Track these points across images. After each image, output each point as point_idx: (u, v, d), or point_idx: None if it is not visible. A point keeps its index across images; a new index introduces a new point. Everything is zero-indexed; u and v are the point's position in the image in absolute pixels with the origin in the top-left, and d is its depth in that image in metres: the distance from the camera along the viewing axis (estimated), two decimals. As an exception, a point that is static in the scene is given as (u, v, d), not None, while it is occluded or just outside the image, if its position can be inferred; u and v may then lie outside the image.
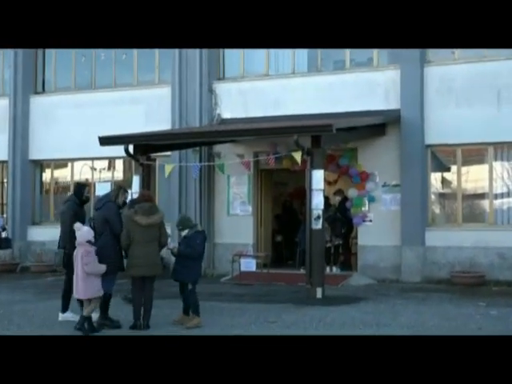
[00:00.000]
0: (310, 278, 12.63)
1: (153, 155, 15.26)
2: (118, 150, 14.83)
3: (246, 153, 16.14)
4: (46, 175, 19.72)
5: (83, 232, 9.23)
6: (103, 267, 9.21)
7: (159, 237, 9.56)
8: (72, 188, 10.90)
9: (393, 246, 15.27)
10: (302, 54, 16.69)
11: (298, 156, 12.71)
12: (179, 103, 17.12)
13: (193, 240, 9.78)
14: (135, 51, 18.06)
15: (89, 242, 9.20)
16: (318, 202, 12.58)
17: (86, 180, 18.35)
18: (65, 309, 10.32)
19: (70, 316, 10.12)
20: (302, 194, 15.25)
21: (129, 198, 10.70)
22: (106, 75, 18.64)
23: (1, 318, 10.51)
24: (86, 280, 9.10)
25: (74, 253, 9.28)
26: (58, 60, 19.38)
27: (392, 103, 15.44)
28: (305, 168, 13.56)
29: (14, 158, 19.10)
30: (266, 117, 15.97)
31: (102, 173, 18.93)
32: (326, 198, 14.60)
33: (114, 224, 9.53)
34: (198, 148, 16.40)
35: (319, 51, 16.34)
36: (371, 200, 15.49)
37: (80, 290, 9.16)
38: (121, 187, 10.27)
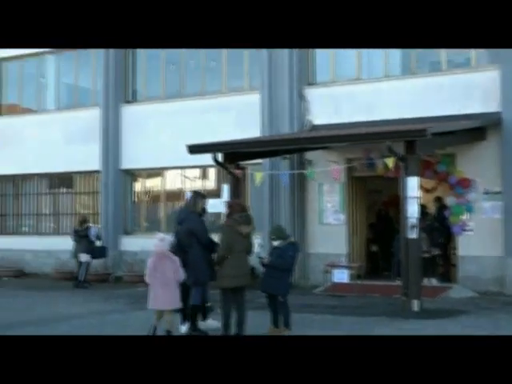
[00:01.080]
0: (406, 289, 12.44)
1: (243, 163, 15.38)
2: (210, 159, 15.04)
3: (338, 159, 16.05)
4: (138, 185, 20.20)
5: (166, 243, 9.34)
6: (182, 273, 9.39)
7: (248, 246, 9.66)
8: (187, 197, 10.93)
9: (496, 256, 14.85)
10: (395, 56, 16.50)
11: (391, 162, 12.59)
12: (269, 110, 17.23)
13: (285, 251, 9.79)
14: (224, 58, 18.32)
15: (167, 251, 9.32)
16: (413, 210, 12.41)
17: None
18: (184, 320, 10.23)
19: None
20: (398, 201, 15.03)
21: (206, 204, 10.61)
22: (195, 83, 18.96)
23: (93, 328, 10.83)
24: (174, 290, 9.23)
25: (149, 262, 9.39)
26: (148, 69, 19.86)
27: (491, 106, 15.04)
28: (399, 175, 13.40)
29: (107, 167, 19.65)
30: (359, 122, 15.84)
31: (193, 182, 19.20)
32: (423, 206, 14.37)
33: (201, 235, 9.64)
34: (288, 155, 16.44)
35: (413, 53, 16.12)
36: (469, 210, 15.09)
37: (162, 300, 9.25)
38: (197, 194, 10.39)
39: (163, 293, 9.21)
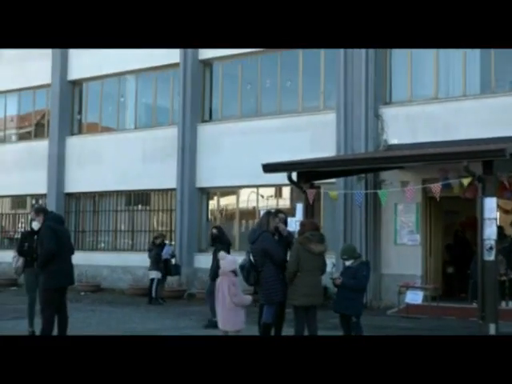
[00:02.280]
0: (483, 312, 12.18)
1: (317, 182, 15.39)
2: (285, 178, 15.11)
3: (414, 180, 15.89)
4: (213, 203, 20.43)
5: (228, 261, 9.24)
6: (249, 299, 9.25)
7: (322, 265, 9.65)
8: (260, 216, 10.94)
9: None
10: (474, 74, 16.26)
11: (466, 182, 12.42)
12: (344, 129, 17.20)
13: (358, 271, 9.71)
14: (300, 78, 18.44)
15: (233, 271, 9.17)
16: (490, 232, 12.16)
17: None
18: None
19: None
20: (475, 223, 14.76)
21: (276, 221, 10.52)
22: (271, 102, 19.12)
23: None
24: (232, 311, 9.05)
25: (217, 282, 9.37)
26: (225, 88, 20.13)
27: None
28: (476, 196, 13.17)
29: (182, 185, 19.94)
30: (436, 142, 15.65)
31: (268, 200, 19.30)
32: (501, 228, 14.07)
33: (274, 254, 9.63)
34: (363, 175, 16.36)
35: (493, 71, 15.87)
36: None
37: (223, 321, 9.14)
38: (269, 213, 10.42)
39: (222, 313, 9.15)
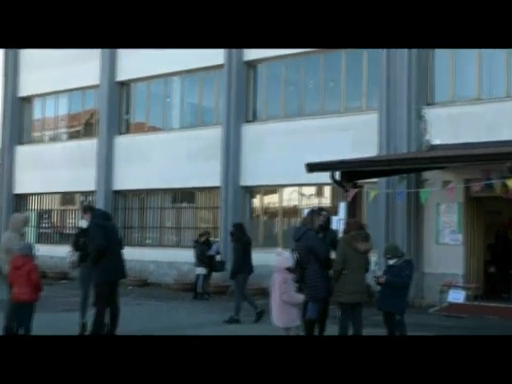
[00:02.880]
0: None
1: (359, 182, 15.38)
2: (326, 177, 15.12)
3: (456, 180, 15.76)
4: (256, 201, 20.52)
5: (283, 258, 9.13)
6: (300, 297, 9.15)
7: (366, 264, 9.68)
8: (305, 214, 10.94)
9: None
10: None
11: (510, 183, 12.30)
12: (386, 129, 17.14)
13: (402, 270, 9.71)
14: (343, 78, 18.43)
15: (288, 269, 9.04)
16: (532, 232, 12.05)
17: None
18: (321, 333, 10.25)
19: None
20: (517, 223, 14.67)
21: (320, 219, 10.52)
22: (314, 103, 19.13)
23: (212, 338, 11.09)
24: (282, 308, 8.91)
25: (272, 278, 9.23)
26: (268, 89, 20.19)
27: None
28: (519, 196, 13.06)
29: (226, 184, 20.06)
30: (478, 142, 15.50)
31: (309, 199, 19.34)
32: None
33: (318, 252, 9.69)
34: (405, 175, 16.29)
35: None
36: None
37: (275, 317, 8.99)
38: (313, 211, 10.45)
39: (274, 309, 9.01)
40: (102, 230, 10.16)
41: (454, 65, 16.68)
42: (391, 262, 9.84)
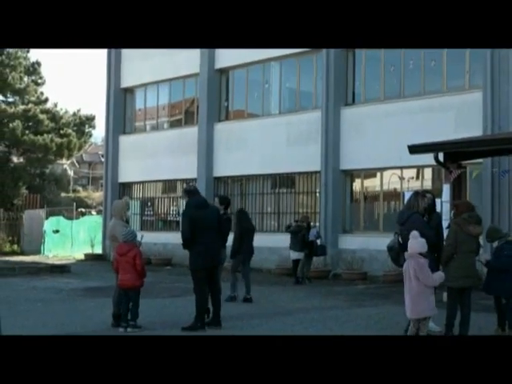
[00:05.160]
0: None
1: (464, 163, 14.91)
2: (427, 159, 14.70)
3: None
4: (356, 184, 20.29)
5: (417, 242, 8.39)
6: (441, 275, 8.47)
7: (477, 247, 9.34)
8: (408, 198, 10.64)
9: None
10: None
11: None
12: (491, 108, 16.57)
13: (501, 251, 9.39)
14: (444, 57, 17.90)
15: (421, 254, 8.32)
16: None
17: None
18: None
19: (432, 326, 9.59)
20: None
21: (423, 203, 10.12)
22: (415, 83, 18.70)
23: (315, 323, 11.01)
24: (421, 296, 8.22)
25: (404, 265, 8.55)
26: (367, 71, 19.88)
27: None
28: None
29: (326, 168, 19.93)
30: None
31: (410, 182, 18.96)
32: None
33: (426, 235, 9.30)
34: (511, 154, 15.67)
35: None
36: None
37: (410, 308, 8.33)
38: (418, 193, 10.11)
39: (409, 299, 8.34)
40: (188, 220, 10.25)
41: None
42: (495, 244, 9.60)
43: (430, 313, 8.37)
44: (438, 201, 14.19)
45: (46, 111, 36.90)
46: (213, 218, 10.70)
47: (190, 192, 10.91)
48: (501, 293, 9.37)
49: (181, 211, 14.14)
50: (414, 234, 8.48)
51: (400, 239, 9.50)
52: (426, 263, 8.30)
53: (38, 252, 28.58)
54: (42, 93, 38.55)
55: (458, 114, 17.19)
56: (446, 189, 14.37)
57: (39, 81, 38.70)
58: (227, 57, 22.71)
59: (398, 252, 9.43)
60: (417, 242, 8.36)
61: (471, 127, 16.38)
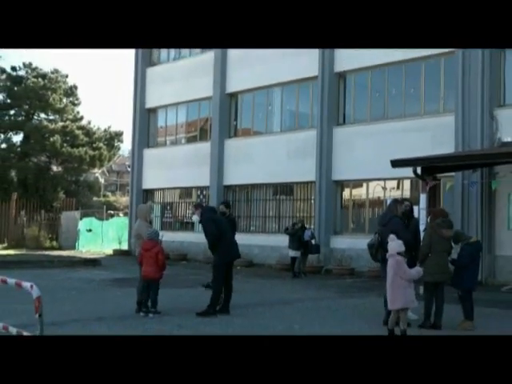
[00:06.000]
0: None
1: (438, 175, 14.95)
2: (406, 172, 14.74)
3: (526, 172, 15.08)
4: (346, 193, 20.26)
5: (394, 244, 8.40)
6: (418, 270, 8.39)
7: (449, 248, 9.35)
8: (388, 203, 10.61)
9: None
10: None
11: None
12: (462, 129, 16.57)
13: (461, 251, 9.39)
14: (422, 85, 17.93)
15: (399, 253, 8.33)
16: None
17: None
18: None
19: (410, 315, 9.52)
20: None
21: (401, 208, 10.05)
22: (397, 107, 18.69)
23: (309, 311, 10.99)
24: (399, 289, 8.17)
25: (388, 263, 8.48)
26: (356, 96, 19.89)
27: None
28: None
29: (320, 178, 19.91)
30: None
31: (391, 191, 18.95)
32: None
33: (402, 236, 9.31)
34: (478, 169, 15.70)
35: None
36: None
37: (391, 300, 8.29)
38: (397, 200, 10.15)
39: (391, 293, 8.28)
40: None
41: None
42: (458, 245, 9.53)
43: (409, 305, 8.29)
44: (415, 208, 14.27)
45: (81, 128, 37.02)
46: (225, 220, 10.78)
47: (199, 205, 11.08)
48: (459, 286, 9.34)
49: (191, 219, 14.03)
50: (392, 237, 8.51)
51: (379, 238, 9.52)
52: (404, 261, 8.29)
53: (73, 248, 28.58)
54: (78, 112, 38.69)
55: (434, 134, 17.16)
56: (423, 198, 14.39)
57: (76, 102, 38.82)
58: (236, 83, 22.77)
59: (376, 249, 9.44)
60: (395, 243, 8.38)
61: (445, 145, 16.37)
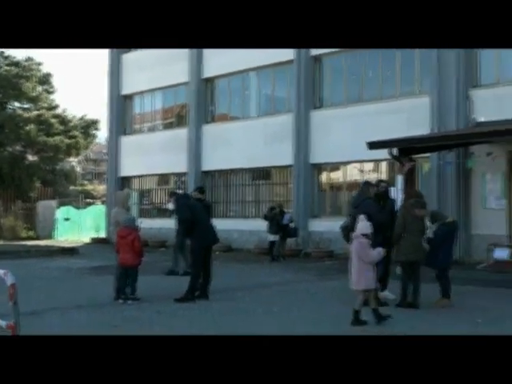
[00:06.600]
0: None
1: (414, 157, 15.02)
2: (383, 154, 14.80)
3: (500, 152, 15.21)
4: (323, 176, 20.31)
5: (362, 225, 8.34)
6: (379, 251, 8.24)
7: (423, 228, 9.43)
8: (362, 185, 10.69)
9: None
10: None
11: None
12: (437, 110, 16.65)
13: (436, 231, 9.50)
14: (398, 67, 17.98)
15: (364, 235, 8.27)
16: None
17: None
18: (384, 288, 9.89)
19: (387, 294, 9.84)
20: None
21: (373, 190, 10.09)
22: (373, 89, 18.72)
23: (288, 294, 11.03)
24: (361, 271, 8.11)
25: (351, 245, 8.51)
26: (333, 79, 19.89)
27: None
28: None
29: (298, 162, 19.93)
30: (520, 118, 14.85)
31: (369, 174, 19.01)
32: None
33: (375, 217, 9.34)
34: (454, 149, 15.81)
35: None
36: None
37: (355, 281, 8.21)
38: (367, 182, 10.24)
39: (354, 274, 8.17)
40: (187, 207, 10.25)
41: (498, 50, 15.95)
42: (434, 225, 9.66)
43: (371, 286, 8.17)
44: (393, 189, 14.38)
45: (57, 116, 36.55)
46: (200, 206, 10.74)
47: (173, 193, 11.11)
48: (434, 265, 9.44)
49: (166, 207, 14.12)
50: (361, 217, 8.46)
51: (352, 220, 9.55)
52: (368, 243, 8.19)
53: (50, 237, 28.35)
54: (53, 100, 38.16)
55: (410, 116, 17.23)
56: (400, 179, 14.47)
57: (50, 89, 38.27)
58: (212, 68, 22.63)
59: (349, 231, 9.45)
60: (363, 224, 8.33)
61: (420, 126, 16.42)
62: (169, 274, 13.35)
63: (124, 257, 10.00)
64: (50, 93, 38.18)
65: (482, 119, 15.86)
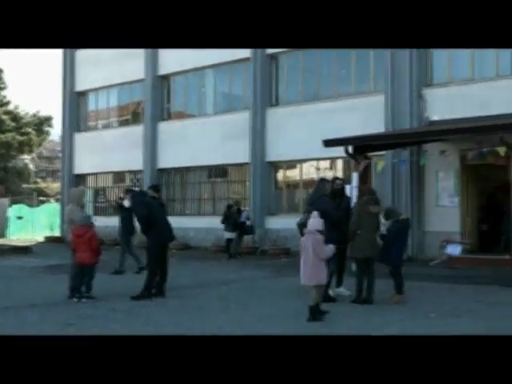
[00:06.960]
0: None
1: (369, 154, 15.23)
2: (338, 151, 14.96)
3: (453, 150, 15.54)
4: (280, 174, 20.41)
5: (315, 221, 8.33)
6: (331, 248, 8.27)
7: (377, 224, 9.54)
8: (317, 182, 10.75)
9: None
10: (506, 56, 15.62)
11: (502, 151, 12.07)
12: (392, 109, 16.91)
13: (390, 227, 9.63)
14: (353, 65, 18.18)
15: (318, 230, 8.21)
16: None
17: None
18: (339, 284, 10.02)
19: (342, 291, 9.97)
20: (506, 187, 14.40)
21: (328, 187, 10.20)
22: (328, 87, 18.89)
23: (246, 290, 11.05)
24: (316, 267, 8.08)
25: (302, 239, 8.46)
26: (288, 77, 19.98)
27: None
28: (507, 163, 12.80)
29: (255, 160, 19.97)
30: (472, 117, 15.18)
31: (325, 172, 19.17)
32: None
33: (330, 214, 9.39)
34: (408, 147, 16.09)
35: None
36: None
37: (307, 276, 8.16)
38: (323, 179, 10.35)
39: (306, 269, 8.13)
40: (143, 205, 10.19)
41: (450, 50, 16.28)
42: (387, 222, 9.76)
43: (323, 281, 8.22)
44: (348, 187, 14.51)
45: (8, 112, 35.88)
46: (156, 204, 10.66)
47: (129, 190, 11.03)
48: (386, 262, 9.55)
49: (122, 204, 13.96)
50: (314, 214, 8.48)
51: (306, 217, 9.59)
52: (322, 239, 8.22)
53: (2, 236, 27.78)
54: (4, 96, 37.43)
55: (365, 114, 17.43)
56: (355, 176, 14.64)
57: (1, 85, 37.52)
58: (168, 65, 22.49)
59: (305, 227, 9.50)
60: (315, 221, 8.33)
61: (375, 125, 16.64)
62: (114, 274, 13.31)
63: (81, 256, 9.86)
64: (1, 89, 37.44)
65: (435, 118, 16.17)
